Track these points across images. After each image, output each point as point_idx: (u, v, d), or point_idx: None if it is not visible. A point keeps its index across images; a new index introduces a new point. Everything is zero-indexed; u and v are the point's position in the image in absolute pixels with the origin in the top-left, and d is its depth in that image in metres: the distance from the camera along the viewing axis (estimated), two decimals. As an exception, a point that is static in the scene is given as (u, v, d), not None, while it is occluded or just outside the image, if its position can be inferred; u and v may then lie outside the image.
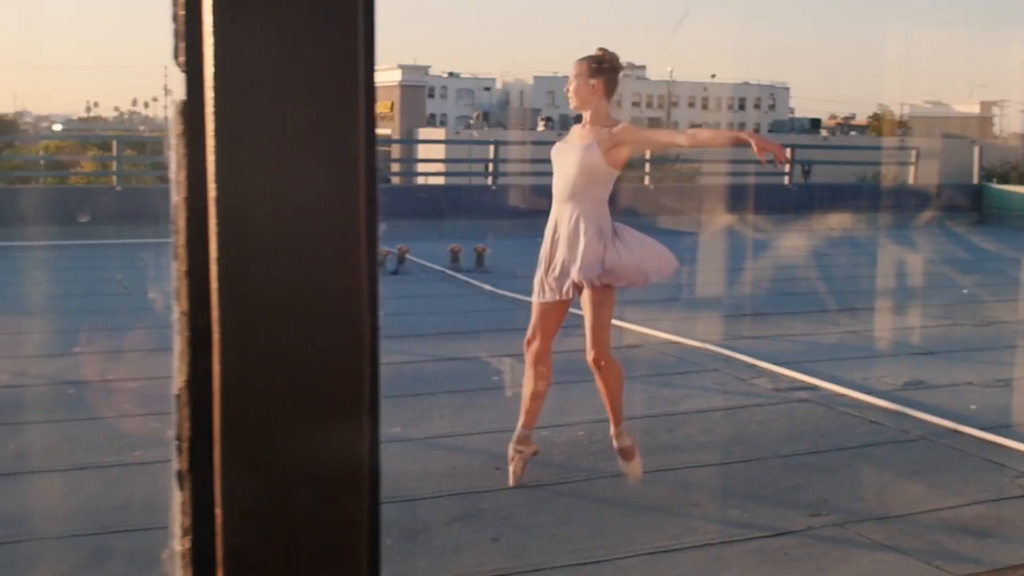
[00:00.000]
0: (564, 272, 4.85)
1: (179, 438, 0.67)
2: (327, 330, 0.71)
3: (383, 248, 12.17)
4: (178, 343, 0.67)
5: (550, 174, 4.99)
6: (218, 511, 0.68)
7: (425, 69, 53.65)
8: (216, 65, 0.65)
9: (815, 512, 4.74)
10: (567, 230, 4.83)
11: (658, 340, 8.24)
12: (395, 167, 26.22)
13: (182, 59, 0.68)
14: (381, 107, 51.22)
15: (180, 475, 0.68)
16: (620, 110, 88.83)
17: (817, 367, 7.30)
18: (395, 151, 40.04)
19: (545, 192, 5.07)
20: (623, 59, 5.09)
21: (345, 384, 0.73)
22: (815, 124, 68.31)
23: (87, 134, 67.46)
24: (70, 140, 45.29)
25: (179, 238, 0.67)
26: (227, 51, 0.64)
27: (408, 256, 11.94)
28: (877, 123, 73.53)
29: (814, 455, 5.60)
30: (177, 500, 0.70)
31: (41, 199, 16.15)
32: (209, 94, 0.66)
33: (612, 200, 5.01)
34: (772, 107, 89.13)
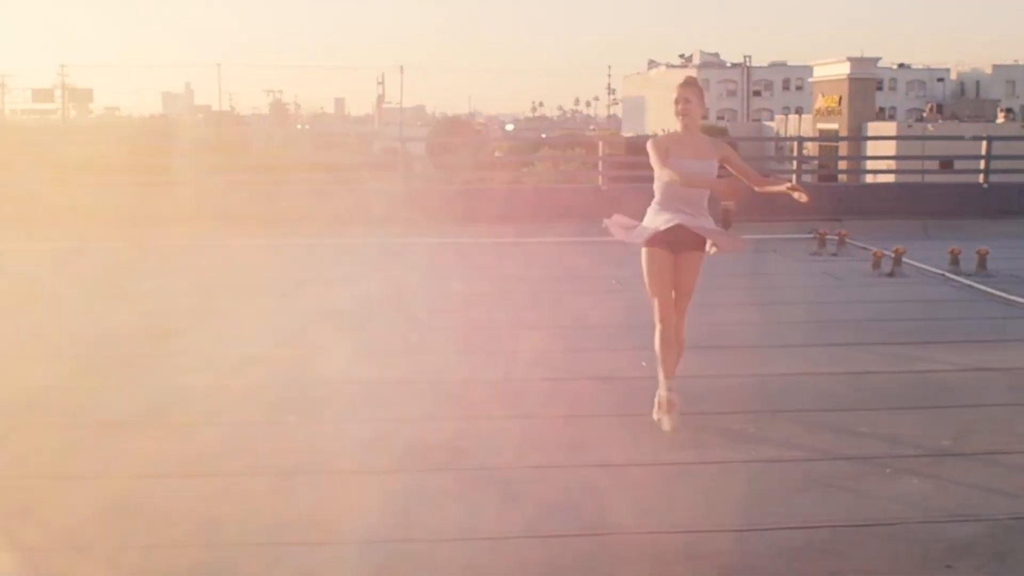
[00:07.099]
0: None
1: None
2: None
3: (876, 250, 11.75)
4: None
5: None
6: None
7: (875, 61, 51.58)
8: None
9: None
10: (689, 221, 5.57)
11: None
12: (842, 164, 25.27)
13: None
14: (828, 101, 49.86)
15: None
16: None
17: None
18: (841, 148, 38.84)
19: None
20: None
21: None
22: None
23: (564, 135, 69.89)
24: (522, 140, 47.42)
25: None
26: None
27: (904, 258, 11.40)
28: None
29: None
30: None
31: (514, 198, 16.88)
32: None
33: None
34: None
